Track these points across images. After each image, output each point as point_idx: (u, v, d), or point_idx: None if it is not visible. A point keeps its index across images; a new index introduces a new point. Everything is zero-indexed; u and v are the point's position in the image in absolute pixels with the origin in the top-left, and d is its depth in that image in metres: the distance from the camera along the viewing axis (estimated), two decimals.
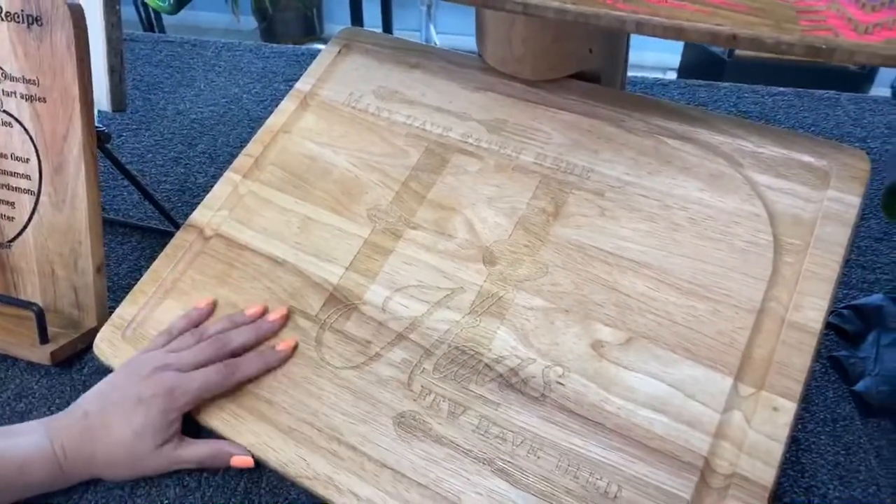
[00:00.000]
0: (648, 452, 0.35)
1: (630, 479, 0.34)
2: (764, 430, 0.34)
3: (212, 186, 0.50)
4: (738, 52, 2.67)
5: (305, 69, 0.55)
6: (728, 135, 0.43)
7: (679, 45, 2.90)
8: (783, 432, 0.34)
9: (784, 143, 0.42)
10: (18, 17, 0.41)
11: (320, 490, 0.37)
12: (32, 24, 0.41)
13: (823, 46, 0.30)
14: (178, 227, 0.51)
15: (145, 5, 1.87)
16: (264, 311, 0.43)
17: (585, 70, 0.48)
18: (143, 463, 0.36)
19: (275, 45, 0.90)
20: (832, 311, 0.49)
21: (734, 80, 0.76)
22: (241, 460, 0.38)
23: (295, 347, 0.41)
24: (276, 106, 0.53)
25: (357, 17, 2.03)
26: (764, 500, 0.32)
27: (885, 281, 0.52)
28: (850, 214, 0.39)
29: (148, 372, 0.38)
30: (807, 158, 0.41)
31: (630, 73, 0.58)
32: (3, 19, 0.42)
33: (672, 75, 2.07)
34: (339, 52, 0.55)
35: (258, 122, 0.55)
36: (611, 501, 0.34)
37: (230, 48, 0.89)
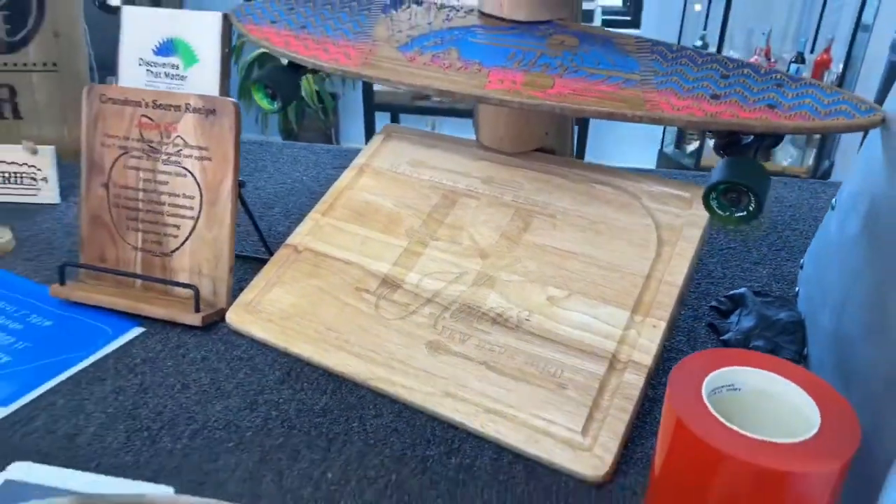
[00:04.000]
0: (580, 353, 0.58)
1: (569, 367, 0.57)
2: (647, 337, 0.57)
3: (289, 233, 0.75)
4: (702, 162, 3.01)
5: (344, 160, 0.82)
6: (632, 181, 0.69)
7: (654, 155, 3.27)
8: (658, 336, 0.57)
9: (665, 184, 0.68)
10: (200, 110, 0.69)
11: (381, 385, 0.59)
12: (209, 114, 0.69)
13: (658, 117, 0.57)
14: (272, 253, 0.75)
15: None
16: None
17: (545, 146, 0.75)
18: None
19: (321, 145, 1.20)
20: (715, 299, 0.73)
21: None
22: None
23: None
24: (330, 183, 0.80)
25: (370, 135, 2.38)
26: (644, 375, 0.55)
27: (746, 277, 0.77)
28: (703, 223, 0.64)
29: None
30: (678, 192, 0.67)
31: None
32: (191, 112, 0.69)
33: None
34: (383, 139, 0.83)
35: (317, 193, 0.82)
36: (557, 379, 0.57)
37: (289, 146, 1.18)
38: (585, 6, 3.00)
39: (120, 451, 0.54)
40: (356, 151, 0.83)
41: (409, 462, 0.53)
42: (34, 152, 0.93)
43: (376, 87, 3.15)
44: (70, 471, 0.51)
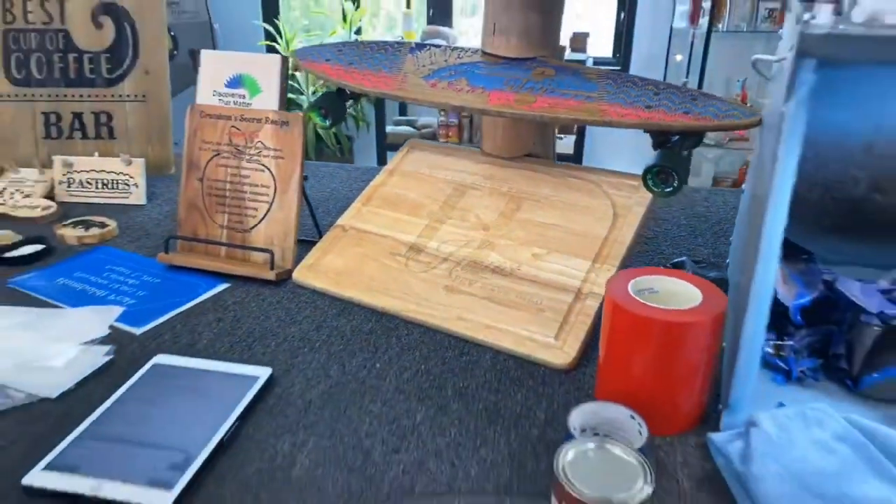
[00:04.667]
0: (554, 289, 0.80)
1: (546, 298, 0.79)
2: (602, 277, 0.80)
3: (331, 226, 0.98)
4: None
5: (369, 176, 1.06)
6: (596, 175, 0.93)
7: None
8: (609, 276, 0.79)
9: (621, 177, 0.91)
10: (276, 122, 0.93)
11: (411, 315, 0.81)
12: (283, 125, 0.93)
13: (608, 121, 0.81)
14: (321, 234, 0.98)
15: None
16: None
17: (532, 152, 0.99)
18: None
19: (351, 165, 1.44)
20: (662, 266, 0.96)
21: None
22: None
23: None
24: (360, 191, 1.03)
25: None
26: (598, 301, 0.77)
27: (690, 255, 0.99)
28: (646, 202, 0.87)
29: None
30: (629, 182, 0.90)
31: None
32: (269, 123, 0.94)
33: None
34: (407, 150, 1.07)
35: (349, 199, 1.05)
36: (538, 306, 0.79)
37: (324, 166, 1.42)
38: (578, 56, 3.31)
39: (227, 354, 0.76)
40: (377, 170, 1.07)
41: (432, 359, 0.75)
42: (129, 163, 1.18)
43: (388, 129, 3.44)
44: (194, 358, 0.72)
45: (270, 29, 3.65)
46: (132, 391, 0.67)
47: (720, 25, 3.15)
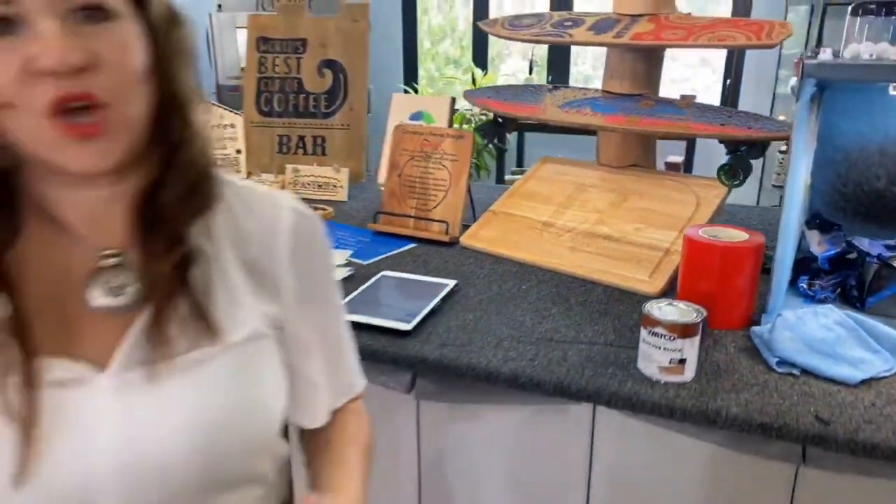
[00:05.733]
0: (650, 249, 1.13)
1: (644, 253, 1.13)
2: (679, 244, 1.12)
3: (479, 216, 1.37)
4: None
5: (504, 189, 1.44)
6: (685, 178, 1.26)
7: None
8: (669, 240, 1.12)
9: (704, 179, 1.24)
10: (453, 136, 1.35)
11: (545, 264, 1.17)
12: (458, 138, 1.34)
13: (692, 134, 1.15)
14: (476, 218, 1.37)
15: None
16: None
17: (637, 162, 1.34)
18: None
19: (485, 183, 1.84)
20: None
21: None
22: None
23: None
24: (499, 194, 1.41)
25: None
26: (679, 256, 1.10)
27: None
28: (721, 195, 1.19)
29: None
30: (711, 183, 1.23)
31: None
32: (449, 137, 1.35)
33: None
34: (541, 162, 1.45)
35: (489, 204, 1.44)
36: (636, 258, 1.12)
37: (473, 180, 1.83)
38: None
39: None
40: (508, 186, 1.45)
41: (560, 286, 1.10)
42: (337, 171, 1.63)
43: (506, 177, 3.87)
44: (406, 273, 1.11)
45: (411, 91, 4.24)
46: (369, 290, 1.07)
47: None
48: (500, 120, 1.44)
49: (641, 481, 0.87)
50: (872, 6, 0.86)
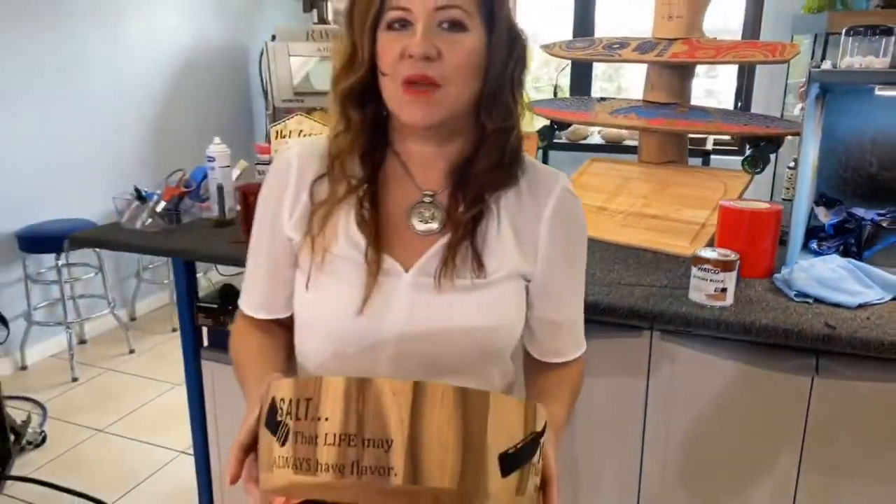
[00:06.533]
0: (687, 224, 1.40)
1: (683, 227, 1.40)
2: (712, 220, 1.39)
3: None
4: None
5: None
6: (716, 171, 1.54)
7: None
8: (704, 216, 1.39)
9: (731, 171, 1.52)
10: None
11: (600, 237, 1.44)
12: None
13: (718, 132, 1.43)
14: None
15: None
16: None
17: (673, 159, 1.62)
18: None
19: None
20: None
21: None
22: None
23: None
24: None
25: None
26: (714, 229, 1.37)
27: None
28: (745, 181, 1.47)
29: None
30: (737, 173, 1.51)
31: None
32: None
33: None
34: (591, 162, 1.73)
35: None
36: (677, 230, 1.39)
37: None
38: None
39: None
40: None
41: (618, 252, 1.37)
42: None
43: None
44: None
45: None
46: None
47: None
48: (555, 125, 1.72)
49: (689, 399, 1.13)
50: (861, 28, 1.15)
